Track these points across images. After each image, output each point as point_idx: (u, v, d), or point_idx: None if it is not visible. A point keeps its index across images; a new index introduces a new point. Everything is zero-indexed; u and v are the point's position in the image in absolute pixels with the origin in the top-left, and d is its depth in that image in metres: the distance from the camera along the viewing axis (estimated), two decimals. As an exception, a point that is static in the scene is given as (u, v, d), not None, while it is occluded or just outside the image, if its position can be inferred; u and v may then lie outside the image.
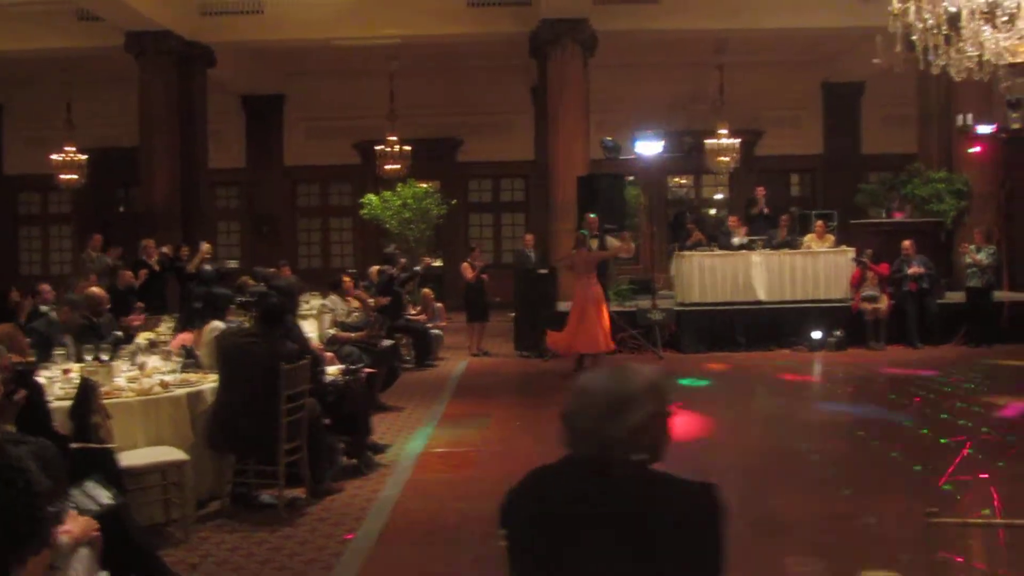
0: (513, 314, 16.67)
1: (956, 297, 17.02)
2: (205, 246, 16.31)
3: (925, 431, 9.60)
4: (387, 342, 11.92)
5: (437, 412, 11.09)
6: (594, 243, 14.77)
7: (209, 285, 11.06)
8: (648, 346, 15.52)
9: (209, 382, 7.36)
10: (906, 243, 16.47)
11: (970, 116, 17.37)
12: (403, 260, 16.25)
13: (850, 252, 16.86)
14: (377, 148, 23.28)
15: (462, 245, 23.86)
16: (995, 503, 6.44)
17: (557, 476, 2.68)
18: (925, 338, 16.01)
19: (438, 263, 19.91)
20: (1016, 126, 19.27)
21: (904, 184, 19.13)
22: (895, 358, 14.98)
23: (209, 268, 14.49)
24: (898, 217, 17.70)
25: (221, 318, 8.28)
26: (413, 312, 16.06)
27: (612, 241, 15.52)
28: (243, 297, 9.77)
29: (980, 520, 2.78)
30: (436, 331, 15.94)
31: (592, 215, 15.22)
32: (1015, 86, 9.73)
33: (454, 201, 20.84)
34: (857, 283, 16.38)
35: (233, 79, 23.48)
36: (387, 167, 22.90)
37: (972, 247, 16.44)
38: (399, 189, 20.21)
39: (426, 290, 17.21)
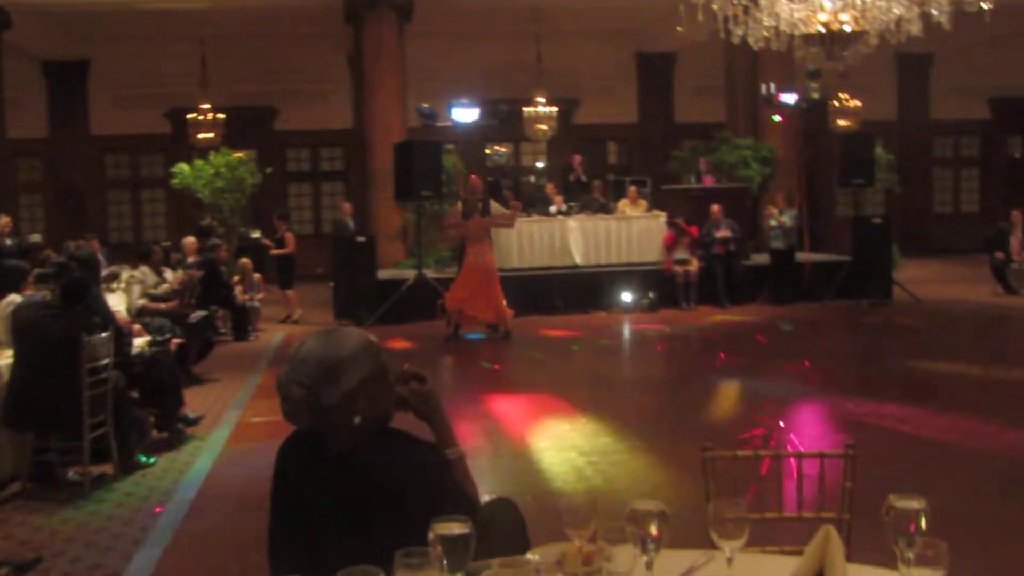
0: (332, 283, 16.52)
1: (761, 259, 17.77)
2: (3, 219, 15.54)
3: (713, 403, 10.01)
4: (200, 313, 11.64)
5: (253, 383, 10.91)
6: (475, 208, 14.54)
7: (2, 259, 10.56)
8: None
9: (5, 358, 7.05)
10: (715, 207, 17.05)
11: (773, 86, 18.02)
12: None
13: (662, 216, 17.38)
14: (189, 116, 22.55)
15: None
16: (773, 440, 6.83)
17: (292, 449, 2.67)
18: (733, 298, 16.66)
19: (256, 234, 19.50)
20: (815, 95, 20.19)
21: (713, 151, 19.78)
22: (702, 317, 15.59)
23: (9, 242, 13.82)
24: (707, 183, 18.32)
25: (17, 291, 7.92)
26: (235, 282, 15.72)
27: (497, 206, 15.33)
28: (41, 269, 9.36)
29: (748, 453, 2.94)
30: (254, 303, 15.66)
31: (474, 176, 15.10)
32: (810, 56, 10.16)
33: (269, 169, 20.40)
34: (669, 246, 16.88)
35: (32, 43, 22.34)
36: (200, 136, 22.22)
37: (776, 211, 17.20)
38: (212, 158, 19.68)
39: (244, 260, 16.86)
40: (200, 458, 7.70)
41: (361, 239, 16.35)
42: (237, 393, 10.37)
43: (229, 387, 10.74)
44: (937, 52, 26.94)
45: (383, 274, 16.74)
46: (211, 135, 22.14)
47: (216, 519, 6.23)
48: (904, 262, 19.35)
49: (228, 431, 8.59)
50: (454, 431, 2.89)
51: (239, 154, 19.93)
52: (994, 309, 16.16)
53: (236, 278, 15.92)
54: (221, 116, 22.37)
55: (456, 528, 1.99)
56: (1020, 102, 28.33)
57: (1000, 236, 18.18)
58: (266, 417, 9.01)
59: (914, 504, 2.04)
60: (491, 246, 13.89)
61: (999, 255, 17.84)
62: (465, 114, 17.08)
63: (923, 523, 2.03)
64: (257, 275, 16.57)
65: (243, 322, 14.87)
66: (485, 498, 2.99)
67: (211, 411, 9.39)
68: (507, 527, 2.81)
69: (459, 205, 14.71)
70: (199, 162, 19.51)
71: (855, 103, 23.55)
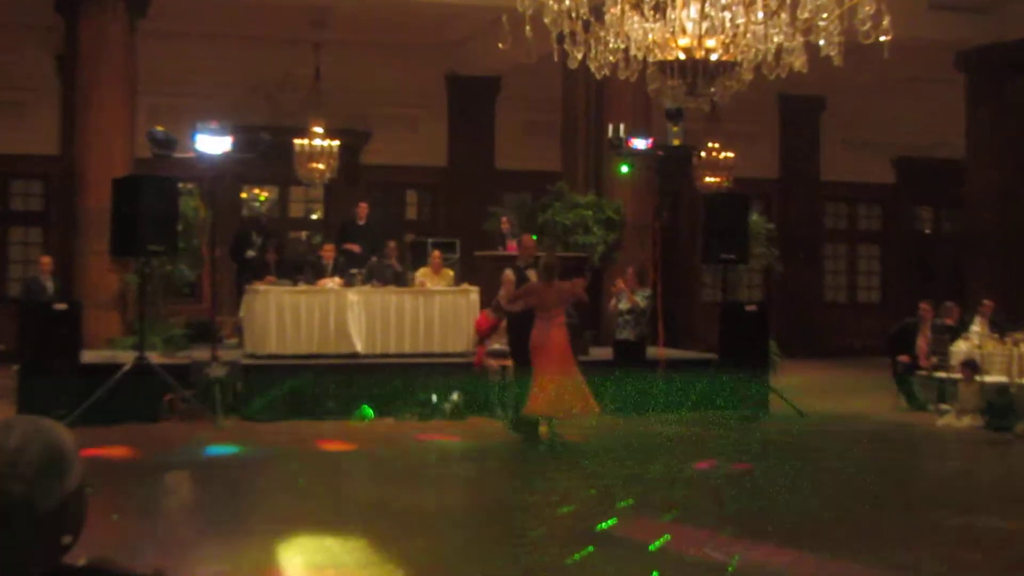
0: (17, 366, 15.89)
1: (603, 353, 18.02)
2: None
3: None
4: None
5: None
6: (531, 275, 15.18)
7: None
8: (205, 411, 15.29)
9: None
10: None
11: (623, 128, 18.41)
12: None
13: (473, 292, 17.47)
14: None
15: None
16: None
17: None
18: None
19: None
20: (676, 143, 20.72)
21: (544, 209, 20.06)
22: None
23: None
24: (512, 250, 18.47)
25: None
26: None
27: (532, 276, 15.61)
28: None
29: None
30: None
31: (527, 235, 16.06)
32: (668, 91, 10.40)
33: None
34: (484, 333, 16.93)
35: None
36: None
37: (623, 290, 17.40)
38: None
39: None
40: None
41: (61, 306, 15.85)
42: None
43: None
44: (830, 96, 28.29)
45: (91, 355, 16.24)
46: None
47: None
48: (785, 363, 19.92)
49: None
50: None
51: None
52: (895, 428, 16.75)
53: None
54: None
55: None
56: (930, 164, 29.91)
57: (905, 334, 18.98)
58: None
59: None
60: (564, 320, 14.37)
61: (903, 359, 18.59)
62: (214, 143, 16.78)
63: None
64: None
65: None
66: None
67: None
68: None
69: (510, 273, 15.76)
70: None
71: (727, 155, 24.30)
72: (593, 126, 20.71)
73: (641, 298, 17.36)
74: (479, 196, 24.31)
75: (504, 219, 19.32)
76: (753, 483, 12.48)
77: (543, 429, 14.28)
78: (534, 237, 17.11)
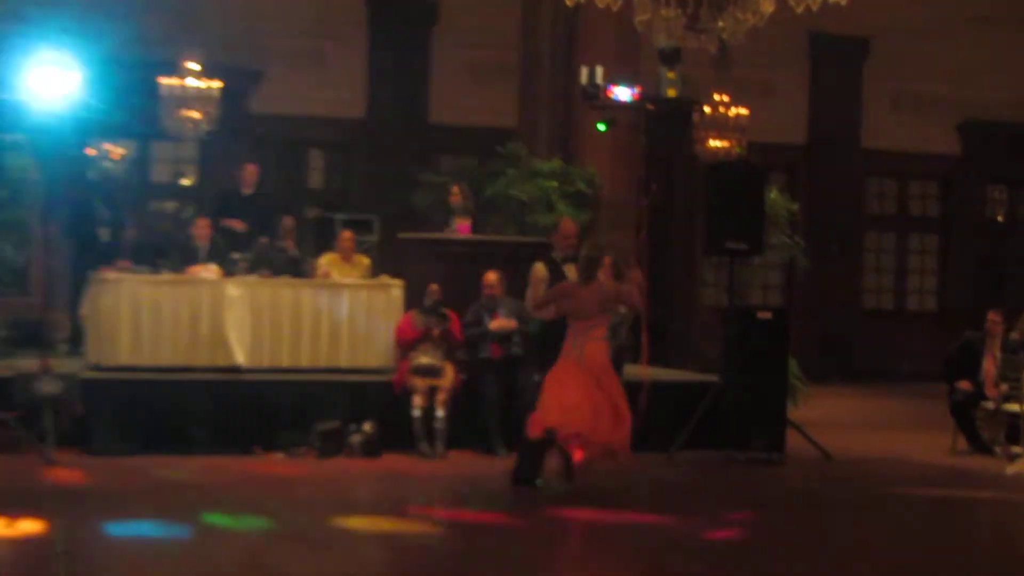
0: None
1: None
2: None
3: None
4: None
5: None
6: (570, 271, 15.20)
7: None
8: (32, 440, 15.18)
9: None
10: (490, 277, 17.13)
11: (601, 72, 18.33)
12: None
13: (396, 287, 17.39)
14: None
15: None
16: None
17: None
18: (514, 440, 16.68)
19: None
20: (672, 92, 20.66)
21: (494, 178, 19.97)
22: (456, 473, 15.60)
23: None
24: (463, 231, 18.41)
25: None
26: None
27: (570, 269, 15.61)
28: None
29: None
30: None
31: (567, 220, 16.09)
32: (660, 22, 10.34)
33: None
34: (406, 342, 16.82)
35: None
36: None
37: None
38: None
39: None
40: None
41: None
42: None
43: None
44: (876, 37, 28.37)
45: None
46: None
47: None
48: (810, 390, 19.94)
49: None
50: None
51: None
52: (951, 478, 16.71)
53: None
54: None
55: None
56: (1006, 130, 30.05)
57: (967, 354, 18.98)
58: None
59: None
60: (604, 332, 14.34)
61: (963, 386, 18.60)
62: (51, 83, 16.69)
63: None
64: None
65: None
66: None
67: None
68: None
69: (541, 268, 15.61)
70: None
71: (739, 112, 24.27)
72: (561, 69, 20.66)
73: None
74: (406, 159, 24.26)
75: (456, 189, 19.10)
76: (740, 555, 12.46)
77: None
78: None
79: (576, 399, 13.84)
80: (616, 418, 14.05)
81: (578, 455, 14.12)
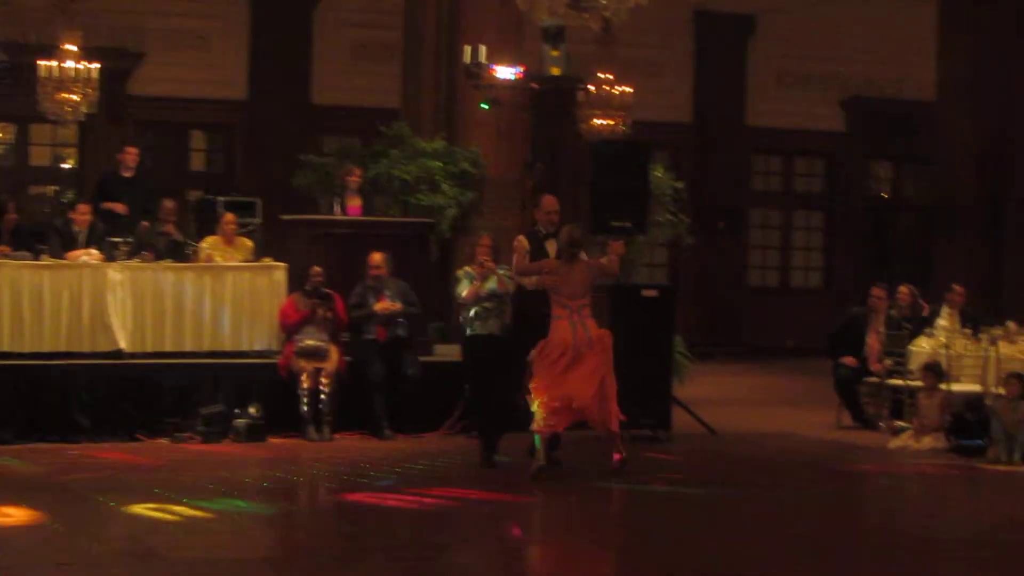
0: None
1: (451, 353, 17.97)
2: None
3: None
4: None
5: None
6: (551, 246, 15.22)
7: None
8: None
9: None
10: (376, 258, 17.09)
11: (483, 50, 18.33)
12: None
13: (279, 269, 17.34)
14: None
15: None
16: None
17: None
18: (400, 421, 16.70)
19: None
20: (556, 71, 20.70)
21: (377, 158, 19.93)
22: (341, 456, 15.59)
23: None
24: (354, 212, 18.37)
25: None
26: None
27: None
28: None
29: None
30: None
31: (549, 195, 15.86)
32: (542, 1, 10.40)
33: None
34: (291, 324, 16.76)
35: None
36: None
37: (478, 269, 17.26)
38: None
39: None
40: None
41: None
42: None
43: None
44: (760, 15, 28.58)
45: None
46: None
47: None
48: (696, 367, 20.06)
49: None
50: None
51: None
52: (835, 452, 16.93)
53: None
54: None
55: None
56: (890, 107, 30.34)
57: (852, 329, 19.20)
58: None
59: None
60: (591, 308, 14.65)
61: (848, 361, 18.82)
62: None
63: None
64: None
65: None
66: None
67: None
68: None
69: (523, 240, 15.39)
70: None
71: (623, 90, 24.32)
72: (445, 49, 20.59)
73: (502, 281, 17.19)
74: (289, 141, 24.19)
75: (354, 169, 19.03)
76: (621, 534, 12.58)
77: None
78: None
79: (572, 379, 14.17)
80: (603, 393, 14.30)
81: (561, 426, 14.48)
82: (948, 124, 24.50)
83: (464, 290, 16.48)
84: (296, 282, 17.19)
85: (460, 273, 17.11)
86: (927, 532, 12.75)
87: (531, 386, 14.36)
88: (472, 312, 16.52)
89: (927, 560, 11.42)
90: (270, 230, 18.86)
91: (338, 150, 20.94)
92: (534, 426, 14.23)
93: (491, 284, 16.71)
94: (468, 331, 16.45)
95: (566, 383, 14.16)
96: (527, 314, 15.01)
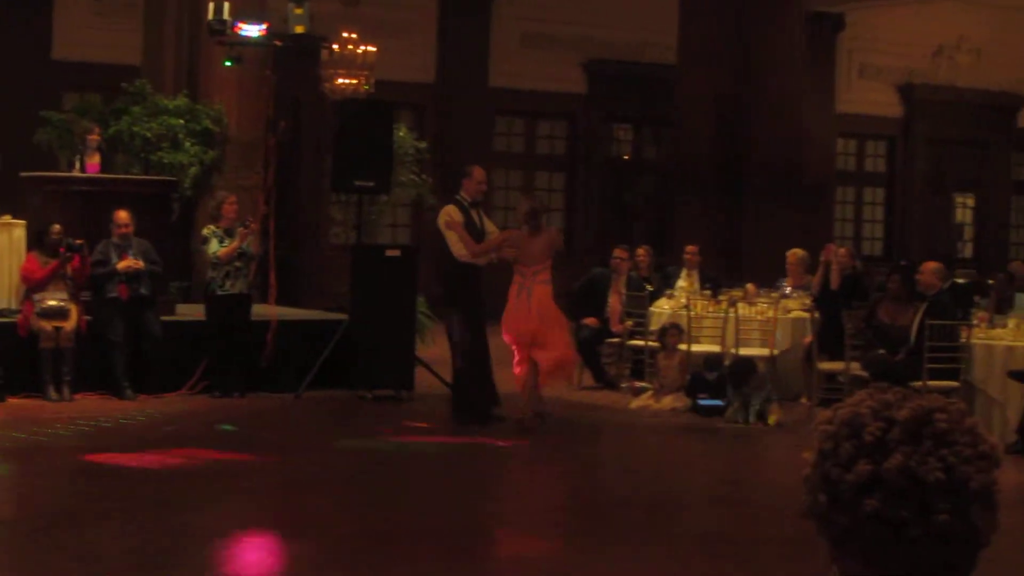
0: None
1: (193, 312, 18.06)
2: None
3: None
4: None
5: None
6: (474, 216, 15.93)
7: None
8: None
9: None
10: (122, 215, 16.94)
11: (227, 7, 18.28)
12: None
13: (18, 226, 17.17)
14: None
15: None
16: None
17: None
18: (141, 382, 16.67)
19: None
20: (300, 29, 20.75)
21: (118, 115, 19.78)
22: (79, 418, 15.47)
23: None
24: (93, 170, 18.20)
25: None
26: None
27: (490, 225, 16.52)
28: None
29: None
30: None
31: (477, 167, 16.33)
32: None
33: None
34: (34, 282, 16.52)
35: None
36: None
37: (220, 228, 17.28)
38: None
39: None
40: None
41: None
42: None
43: None
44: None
45: None
46: None
47: None
48: (438, 326, 20.24)
49: None
50: None
51: None
52: (574, 412, 17.22)
53: None
54: None
55: None
56: (631, 70, 30.96)
57: (592, 290, 19.56)
58: None
59: None
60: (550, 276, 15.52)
61: (589, 322, 19.19)
62: None
63: None
64: None
65: None
66: None
67: None
68: None
69: (454, 210, 15.81)
70: None
71: (367, 49, 24.35)
72: (187, 4, 20.52)
73: (245, 241, 17.23)
74: (29, 97, 23.76)
75: (94, 127, 18.84)
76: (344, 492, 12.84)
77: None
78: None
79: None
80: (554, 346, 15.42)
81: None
82: (687, 87, 25.04)
83: (215, 249, 16.59)
84: (35, 240, 17.01)
85: (207, 232, 17.22)
86: (662, 491, 13.24)
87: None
88: (224, 272, 16.67)
89: (661, 517, 11.88)
90: (9, 187, 18.64)
91: (77, 107, 20.72)
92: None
93: (245, 245, 16.92)
94: (217, 291, 16.58)
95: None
96: (464, 278, 15.88)
